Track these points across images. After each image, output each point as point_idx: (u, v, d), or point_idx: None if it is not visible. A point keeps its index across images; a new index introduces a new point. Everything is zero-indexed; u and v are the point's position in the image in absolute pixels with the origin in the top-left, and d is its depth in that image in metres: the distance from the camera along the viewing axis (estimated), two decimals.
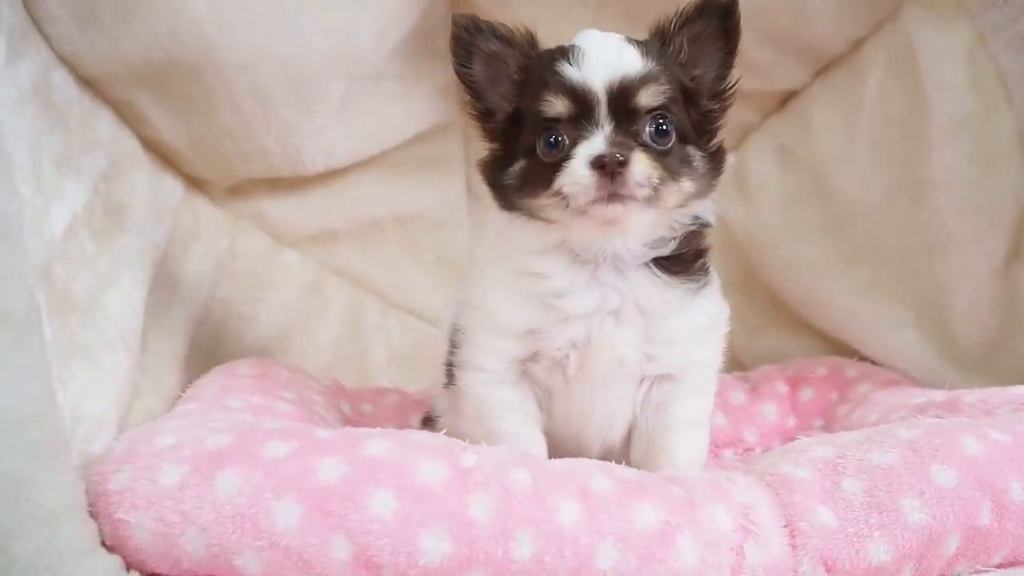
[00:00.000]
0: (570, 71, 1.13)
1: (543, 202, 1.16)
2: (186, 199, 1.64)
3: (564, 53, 1.16)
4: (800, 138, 1.82)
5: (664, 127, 1.15)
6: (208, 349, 1.62)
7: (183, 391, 1.41)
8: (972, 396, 1.39)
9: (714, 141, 1.23)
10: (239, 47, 1.47)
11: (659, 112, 1.15)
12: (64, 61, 1.35)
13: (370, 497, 0.92)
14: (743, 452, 1.64)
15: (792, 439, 1.60)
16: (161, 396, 1.40)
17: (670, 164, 1.14)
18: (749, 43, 1.67)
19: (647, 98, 1.14)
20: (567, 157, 1.12)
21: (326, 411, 1.46)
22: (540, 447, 1.23)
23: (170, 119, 1.53)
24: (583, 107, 1.13)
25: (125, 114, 1.49)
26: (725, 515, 1.01)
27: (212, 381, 1.41)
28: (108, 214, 1.39)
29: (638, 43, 1.18)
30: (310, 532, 0.90)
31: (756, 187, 1.88)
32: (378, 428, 1.06)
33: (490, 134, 1.25)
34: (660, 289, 1.21)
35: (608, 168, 1.09)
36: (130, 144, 1.50)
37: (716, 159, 1.22)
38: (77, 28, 1.33)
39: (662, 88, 1.14)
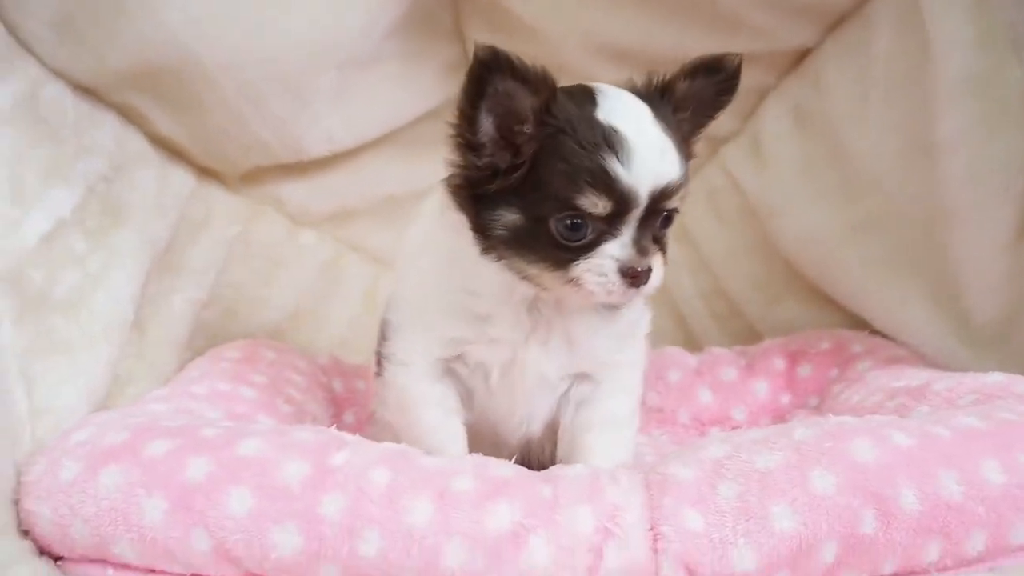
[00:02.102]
0: (621, 172, 1.07)
1: (545, 276, 1.13)
2: (198, 189, 1.74)
3: (609, 142, 1.07)
4: (814, 99, 1.74)
5: (671, 218, 1.16)
6: (215, 331, 1.74)
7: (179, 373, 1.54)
8: (942, 383, 1.33)
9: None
10: (219, 51, 1.54)
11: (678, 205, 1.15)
12: (58, 75, 1.47)
13: (228, 495, 1.00)
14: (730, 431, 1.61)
15: (783, 419, 1.60)
16: (155, 380, 1.52)
17: (665, 248, 1.17)
18: (745, 5, 1.63)
19: (676, 202, 1.13)
20: (589, 248, 1.10)
21: (303, 392, 1.55)
22: (459, 440, 1.27)
23: (169, 119, 1.62)
24: (623, 208, 1.09)
25: (129, 116, 1.60)
26: (588, 516, 1.02)
27: (197, 365, 1.54)
28: (105, 213, 1.50)
29: (666, 126, 1.11)
30: (173, 526, 1.00)
31: (771, 152, 1.81)
32: (263, 426, 1.14)
33: (467, 161, 1.13)
34: (587, 316, 1.23)
35: (637, 280, 1.10)
36: (136, 144, 1.62)
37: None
38: (62, 45, 1.43)
39: (687, 188, 1.14)
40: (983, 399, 1.24)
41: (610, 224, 1.10)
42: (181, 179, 1.72)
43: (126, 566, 1.03)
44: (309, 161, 1.83)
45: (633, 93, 1.16)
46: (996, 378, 1.29)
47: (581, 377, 1.27)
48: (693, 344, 1.89)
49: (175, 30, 1.50)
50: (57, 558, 1.07)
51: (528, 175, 1.10)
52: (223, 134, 1.68)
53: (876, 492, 1.01)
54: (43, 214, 1.37)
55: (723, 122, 1.85)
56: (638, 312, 1.29)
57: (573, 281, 1.11)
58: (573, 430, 1.28)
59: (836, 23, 1.69)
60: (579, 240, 1.10)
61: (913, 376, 1.43)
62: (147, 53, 1.50)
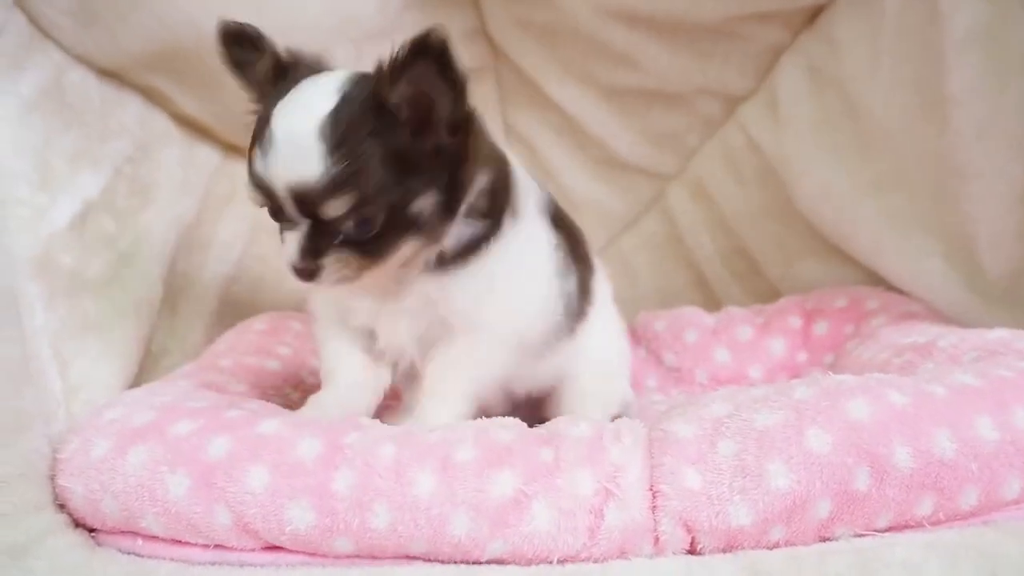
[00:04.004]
0: (259, 166, 1.10)
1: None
2: (223, 165, 1.80)
3: (262, 135, 1.10)
4: (828, 56, 1.73)
5: (365, 222, 1.12)
6: (244, 304, 1.80)
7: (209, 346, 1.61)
8: (946, 340, 1.34)
9: (462, 169, 1.17)
10: None
11: (353, 212, 1.10)
12: (80, 60, 1.53)
13: (247, 472, 1.06)
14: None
15: (799, 377, 1.61)
16: (187, 354, 1.60)
17: (376, 249, 1.15)
18: None
19: (331, 211, 1.10)
20: (284, 232, 1.16)
21: None
22: (356, 378, 1.33)
23: (190, 98, 1.68)
24: (273, 202, 1.13)
25: (153, 97, 1.66)
26: (588, 479, 1.06)
27: (225, 339, 1.60)
28: (133, 193, 1.56)
29: (336, 123, 1.08)
30: (196, 501, 1.05)
31: (787, 110, 1.81)
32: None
33: None
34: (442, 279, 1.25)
35: (302, 276, 1.15)
36: (160, 124, 1.68)
37: (455, 191, 1.18)
38: (82, 31, 1.49)
39: (349, 199, 1.09)
40: (984, 356, 1.25)
41: (280, 217, 1.15)
42: (206, 156, 1.77)
43: (154, 538, 1.09)
44: None
45: (354, 87, 1.13)
46: (999, 334, 1.30)
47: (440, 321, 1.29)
48: (714, 304, 1.91)
49: (188, 10, 1.54)
50: (91, 530, 1.14)
51: None
52: (243, 110, 1.71)
53: (870, 451, 1.03)
54: (73, 197, 1.43)
55: (740, 81, 1.87)
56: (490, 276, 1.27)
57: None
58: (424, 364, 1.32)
59: None
60: (280, 223, 1.16)
61: (921, 332, 1.44)
62: (163, 35, 1.55)
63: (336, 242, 1.14)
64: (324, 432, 1.11)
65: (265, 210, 1.17)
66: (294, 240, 1.14)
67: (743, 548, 1.04)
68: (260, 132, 1.12)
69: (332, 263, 1.14)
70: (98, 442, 1.12)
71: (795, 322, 1.70)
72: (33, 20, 1.44)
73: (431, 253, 1.22)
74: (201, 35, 1.57)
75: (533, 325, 1.32)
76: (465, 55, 1.89)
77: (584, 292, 1.44)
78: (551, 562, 1.04)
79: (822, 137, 1.75)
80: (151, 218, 1.58)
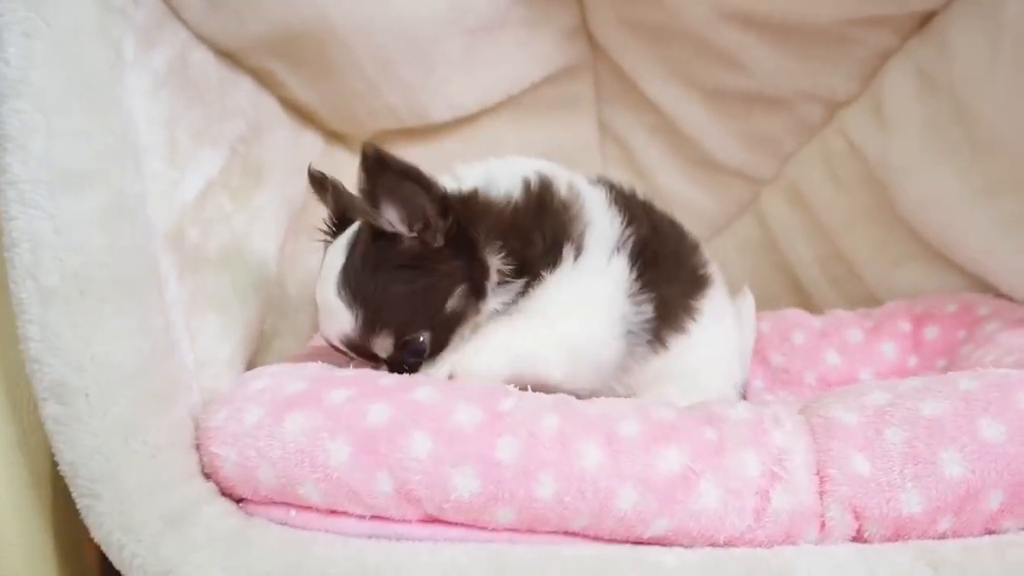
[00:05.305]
0: (323, 328, 1.29)
1: None
2: (326, 152, 1.80)
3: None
4: (939, 61, 1.71)
5: (417, 349, 1.25)
6: None
7: (315, 331, 1.59)
8: None
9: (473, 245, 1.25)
10: (353, 16, 1.59)
11: (401, 344, 1.23)
12: (203, 40, 1.52)
13: (410, 438, 1.04)
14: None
15: None
16: (296, 337, 1.59)
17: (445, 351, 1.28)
18: None
19: (382, 351, 1.24)
20: None
21: None
22: None
23: (303, 84, 1.68)
24: (346, 354, 1.28)
25: (264, 80, 1.66)
26: (755, 460, 1.05)
27: None
28: (246, 173, 1.56)
29: (346, 279, 1.23)
30: (357, 468, 1.04)
31: (893, 115, 1.80)
32: None
33: None
34: None
35: None
36: (270, 106, 1.67)
37: (475, 272, 1.26)
38: (209, 12, 1.49)
39: (387, 336, 1.22)
40: None
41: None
42: (311, 141, 1.77)
43: (309, 507, 1.08)
44: (430, 125, 1.86)
45: (361, 233, 1.27)
46: None
47: None
48: (811, 308, 1.89)
49: None
50: (239, 500, 1.12)
51: None
52: (355, 98, 1.72)
53: None
54: (196, 174, 1.42)
55: (844, 85, 1.87)
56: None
57: None
58: None
59: None
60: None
61: None
62: (287, 17, 1.55)
63: (407, 366, 1.25)
64: (479, 399, 1.09)
65: None
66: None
67: (910, 537, 1.03)
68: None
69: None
70: (251, 409, 1.11)
71: (904, 326, 1.68)
72: None
73: (477, 325, 1.29)
74: (325, 21, 1.59)
75: (581, 364, 1.31)
76: (564, 53, 1.93)
77: (677, 311, 1.42)
78: (716, 543, 1.03)
79: (930, 142, 1.74)
80: (264, 199, 1.58)
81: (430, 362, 1.26)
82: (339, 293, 1.22)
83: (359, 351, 1.25)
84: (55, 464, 1.07)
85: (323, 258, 1.31)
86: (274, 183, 1.61)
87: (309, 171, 1.39)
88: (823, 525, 1.03)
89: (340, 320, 1.22)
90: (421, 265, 1.23)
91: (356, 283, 1.22)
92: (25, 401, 1.15)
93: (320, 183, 1.39)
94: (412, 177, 1.18)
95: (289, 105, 1.72)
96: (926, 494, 1.01)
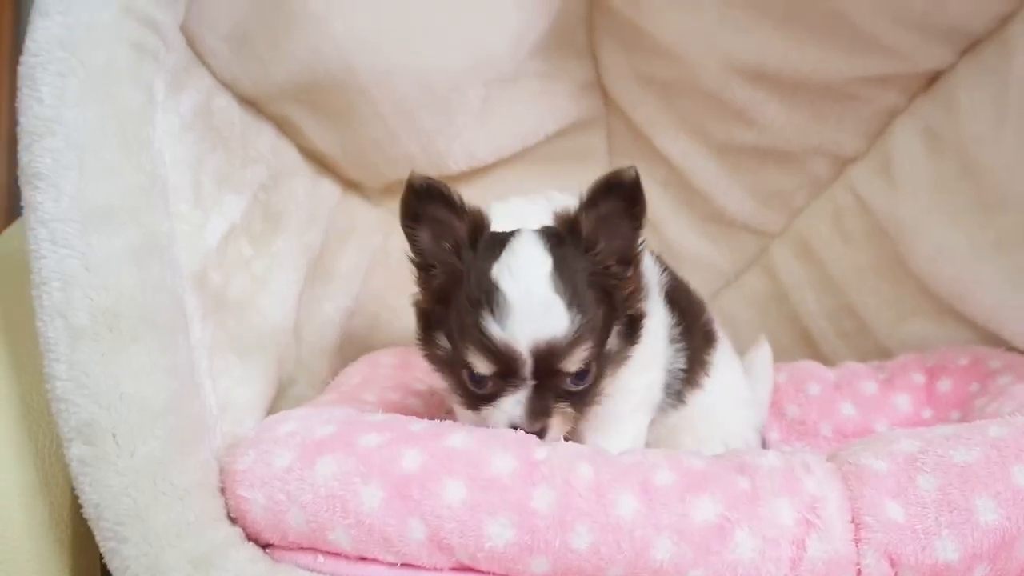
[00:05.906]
0: (497, 332, 1.08)
1: (460, 409, 1.20)
2: (344, 200, 1.81)
3: (490, 300, 1.09)
4: (946, 119, 1.74)
5: (585, 373, 1.14)
6: (361, 339, 1.79)
7: (333, 378, 1.59)
8: None
9: (633, 306, 1.20)
10: (376, 64, 1.61)
11: (586, 364, 1.13)
12: (227, 87, 1.53)
13: (444, 485, 1.03)
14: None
15: None
16: (311, 384, 1.58)
17: (587, 397, 1.17)
18: (884, 28, 1.67)
19: (573, 364, 1.11)
20: (490, 399, 1.14)
21: None
22: None
23: (323, 132, 1.69)
24: (507, 367, 1.11)
25: (285, 128, 1.67)
26: (789, 508, 1.04)
27: (357, 371, 1.58)
28: (266, 219, 1.56)
29: (564, 280, 1.10)
30: (390, 514, 1.03)
31: (901, 172, 1.82)
32: None
33: (424, 285, 1.21)
34: None
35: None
36: (290, 155, 1.69)
37: (632, 328, 1.20)
38: (234, 58, 1.50)
39: (586, 349, 1.11)
40: None
41: (504, 379, 1.12)
42: (329, 189, 1.78)
43: (337, 554, 1.06)
44: (446, 175, 1.88)
45: (550, 237, 1.15)
46: None
47: None
48: (820, 360, 1.89)
49: (339, 43, 1.56)
50: (265, 545, 1.10)
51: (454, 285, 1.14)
52: (374, 147, 1.74)
53: None
54: (220, 218, 1.42)
55: (851, 142, 1.90)
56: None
57: (483, 422, 1.16)
58: None
59: (972, 46, 1.71)
60: (482, 390, 1.14)
61: None
62: (312, 65, 1.57)
63: (561, 396, 1.14)
64: (514, 447, 1.09)
65: (464, 373, 1.15)
66: (517, 402, 1.13)
67: None
68: (484, 297, 1.10)
69: (556, 425, 1.15)
70: (280, 453, 1.10)
71: (918, 379, 1.68)
72: (191, 43, 1.45)
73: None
74: (349, 70, 1.60)
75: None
76: (578, 106, 1.96)
77: (695, 365, 1.41)
78: None
79: (939, 199, 1.77)
80: (282, 245, 1.58)
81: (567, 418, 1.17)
82: (558, 290, 1.10)
83: (541, 361, 1.10)
84: (76, 508, 1.06)
85: (488, 257, 1.13)
86: (292, 230, 1.61)
87: (414, 179, 1.14)
88: (859, 573, 1.02)
89: (551, 319, 1.09)
90: (604, 294, 1.15)
91: (574, 285, 1.11)
92: (46, 444, 1.14)
93: (444, 196, 1.15)
94: (637, 223, 1.18)
95: (307, 153, 1.73)
96: (962, 541, 1.01)
